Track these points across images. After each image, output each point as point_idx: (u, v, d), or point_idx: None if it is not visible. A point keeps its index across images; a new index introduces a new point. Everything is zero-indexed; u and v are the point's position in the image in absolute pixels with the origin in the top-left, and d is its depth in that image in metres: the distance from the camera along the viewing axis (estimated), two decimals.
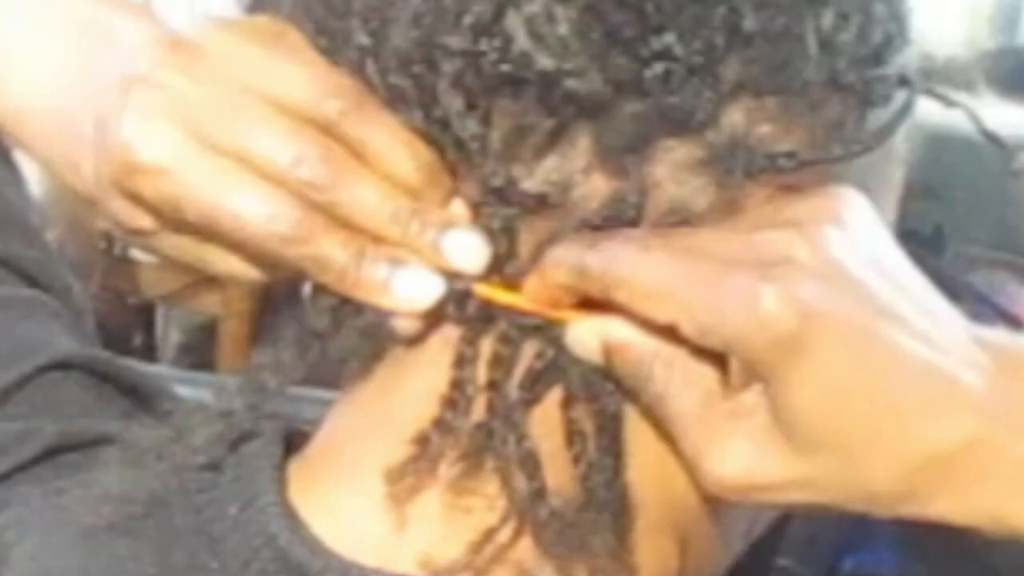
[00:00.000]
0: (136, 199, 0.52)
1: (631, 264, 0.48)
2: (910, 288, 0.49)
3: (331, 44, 0.52)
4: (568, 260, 0.49)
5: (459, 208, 0.51)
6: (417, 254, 0.50)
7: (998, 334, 0.50)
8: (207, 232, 0.52)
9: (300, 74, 0.51)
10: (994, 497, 0.48)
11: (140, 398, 0.66)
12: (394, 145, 0.51)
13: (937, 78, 0.54)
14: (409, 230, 0.50)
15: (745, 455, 0.48)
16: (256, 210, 0.50)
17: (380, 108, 0.51)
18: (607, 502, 0.52)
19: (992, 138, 0.55)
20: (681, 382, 0.49)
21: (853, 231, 0.48)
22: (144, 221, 0.53)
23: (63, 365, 0.65)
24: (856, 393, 0.47)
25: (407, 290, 0.51)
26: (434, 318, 0.52)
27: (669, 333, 0.49)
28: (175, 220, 0.52)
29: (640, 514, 0.53)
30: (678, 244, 0.49)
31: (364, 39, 0.51)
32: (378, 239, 0.51)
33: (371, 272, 0.50)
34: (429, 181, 0.51)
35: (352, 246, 0.50)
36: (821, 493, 0.49)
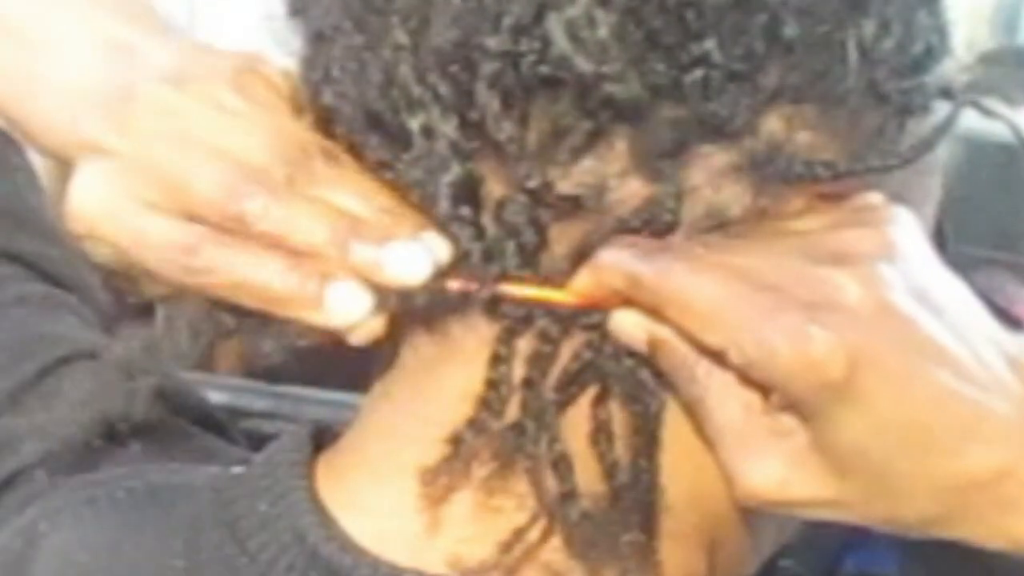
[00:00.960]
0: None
1: (684, 284, 0.48)
2: (955, 320, 0.49)
3: (368, 41, 0.52)
4: (622, 266, 0.49)
5: (432, 238, 0.50)
6: (352, 271, 0.50)
7: (1014, 337, 0.51)
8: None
9: (255, 138, 0.52)
10: (1018, 524, 0.49)
11: (164, 392, 0.66)
12: (349, 197, 0.51)
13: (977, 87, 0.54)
14: (348, 249, 0.50)
15: (779, 473, 0.49)
16: (167, 243, 0.51)
17: (333, 163, 0.52)
18: (638, 505, 0.52)
19: None
20: (723, 390, 0.50)
21: (904, 264, 0.49)
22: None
23: (85, 356, 0.65)
24: (897, 432, 0.48)
25: (341, 305, 0.50)
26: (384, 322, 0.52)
27: (716, 353, 0.49)
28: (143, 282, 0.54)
29: (670, 517, 0.53)
30: (732, 264, 0.49)
31: (402, 37, 0.50)
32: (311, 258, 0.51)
33: (301, 289, 0.50)
34: (392, 221, 0.51)
35: (273, 265, 0.51)
36: (849, 513, 0.50)
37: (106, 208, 0.52)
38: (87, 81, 0.58)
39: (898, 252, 0.49)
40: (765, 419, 0.49)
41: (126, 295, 0.69)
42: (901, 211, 0.51)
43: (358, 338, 0.52)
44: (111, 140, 0.52)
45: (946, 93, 0.53)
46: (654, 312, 0.50)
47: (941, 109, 0.53)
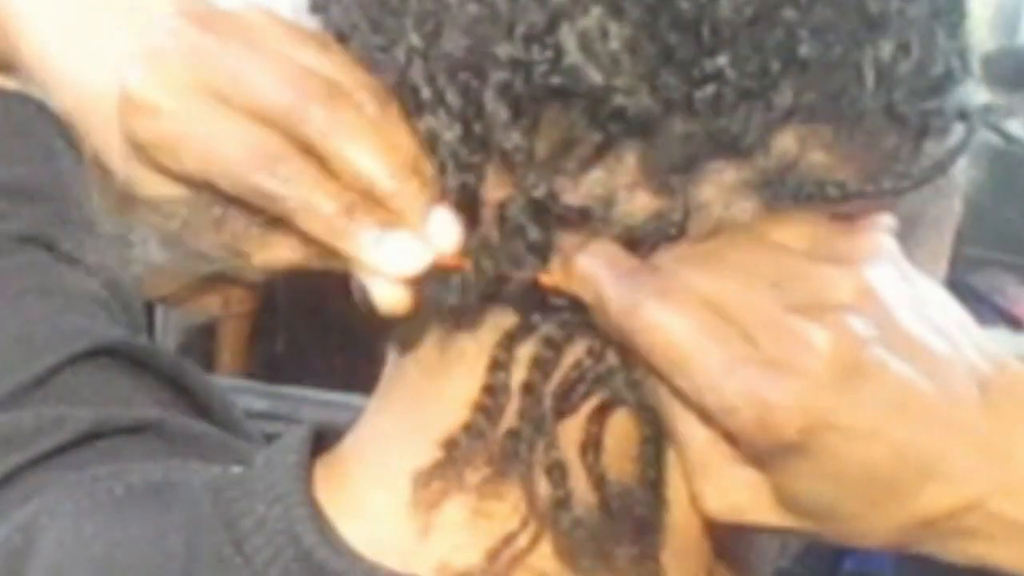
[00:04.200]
0: (142, 152, 0.52)
1: (650, 322, 0.48)
2: (930, 358, 0.49)
3: (383, 41, 0.51)
4: (593, 283, 0.49)
5: (446, 214, 0.50)
6: (404, 219, 0.50)
7: (1006, 366, 0.50)
8: (207, 187, 0.51)
9: (328, 59, 0.51)
10: (980, 549, 0.49)
11: (180, 388, 0.67)
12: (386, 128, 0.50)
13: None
14: (405, 189, 0.49)
15: (735, 499, 0.50)
16: (247, 144, 0.50)
17: (398, 115, 0.51)
18: (631, 517, 0.52)
19: None
20: (691, 415, 0.50)
21: (878, 311, 0.48)
22: (163, 187, 0.53)
23: (103, 352, 0.65)
24: (854, 485, 0.48)
25: (394, 254, 0.49)
26: (417, 304, 0.51)
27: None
28: (179, 176, 0.52)
29: (674, 532, 0.53)
30: (703, 293, 0.48)
31: (416, 40, 0.50)
32: (369, 197, 0.50)
33: (360, 227, 0.49)
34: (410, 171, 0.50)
35: (344, 198, 0.49)
36: (809, 535, 0.51)
37: (175, 86, 0.51)
38: (129, 45, 0.56)
39: (873, 299, 0.49)
40: (726, 446, 0.49)
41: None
42: (882, 240, 0.51)
43: (389, 302, 0.51)
44: (187, 30, 0.51)
45: (963, 116, 0.52)
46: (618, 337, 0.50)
47: (958, 129, 0.53)
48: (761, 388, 0.47)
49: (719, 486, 0.50)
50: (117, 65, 0.54)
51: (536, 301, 0.51)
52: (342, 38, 0.53)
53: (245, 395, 1.26)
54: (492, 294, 0.51)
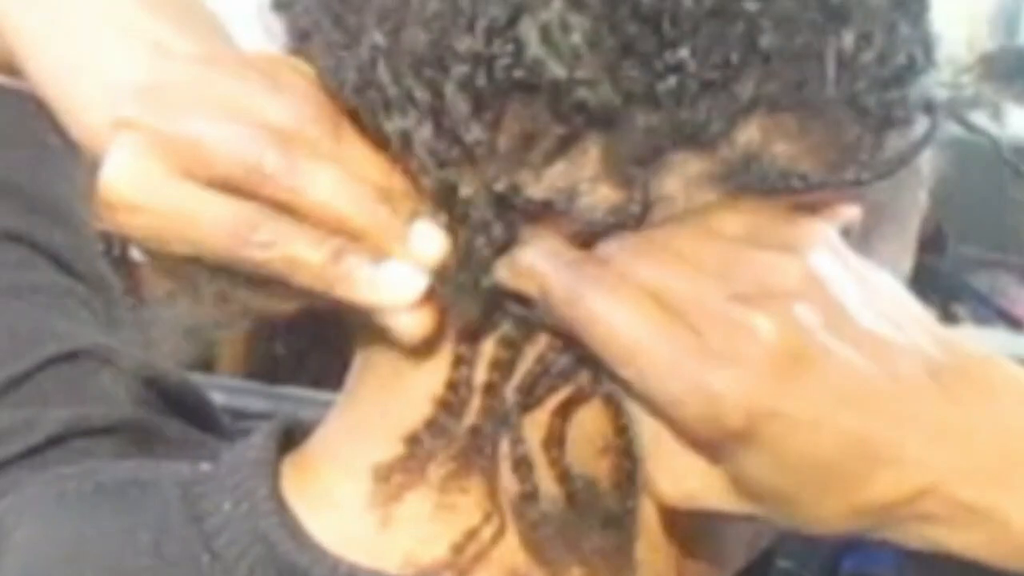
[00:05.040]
0: (141, 249, 0.53)
1: (593, 312, 0.48)
2: (876, 343, 0.49)
3: (345, 39, 0.51)
4: (536, 274, 0.49)
5: (425, 227, 0.50)
6: (385, 248, 0.50)
7: (959, 351, 0.50)
8: (201, 263, 0.52)
9: (271, 99, 0.51)
10: (938, 535, 0.49)
11: (160, 390, 0.66)
12: (367, 168, 0.51)
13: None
14: (377, 219, 0.50)
15: (691, 484, 0.49)
16: (222, 220, 0.50)
17: (353, 132, 0.51)
18: (597, 510, 0.52)
19: (1015, 169, 0.56)
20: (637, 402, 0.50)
21: (823, 298, 0.48)
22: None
23: (81, 355, 0.65)
24: (803, 472, 0.48)
25: (390, 287, 0.50)
26: (435, 319, 0.51)
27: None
28: (170, 257, 0.52)
29: (647, 525, 0.53)
30: (648, 281, 0.48)
31: (379, 38, 0.50)
32: (347, 233, 0.50)
33: (350, 271, 0.50)
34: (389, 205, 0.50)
35: (327, 245, 0.50)
36: (767, 522, 0.51)
37: (144, 180, 0.51)
38: (127, 74, 0.58)
39: (818, 286, 0.48)
40: (672, 432, 0.49)
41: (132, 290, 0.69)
42: (825, 228, 0.50)
43: (410, 330, 0.51)
44: (143, 116, 0.52)
45: (927, 106, 0.52)
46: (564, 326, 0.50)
47: (922, 121, 0.53)
48: (705, 379, 0.47)
49: (671, 472, 0.50)
50: (111, 91, 0.55)
51: (497, 297, 0.51)
52: (306, 36, 0.53)
53: (245, 395, 1.26)
54: (459, 290, 0.51)
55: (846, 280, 0.49)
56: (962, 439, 0.48)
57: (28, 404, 0.63)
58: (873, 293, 0.50)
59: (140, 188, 0.51)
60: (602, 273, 0.49)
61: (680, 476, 0.49)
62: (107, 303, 0.70)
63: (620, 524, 0.52)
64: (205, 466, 0.57)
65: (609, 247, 0.50)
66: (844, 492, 0.48)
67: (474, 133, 0.49)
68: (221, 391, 1.08)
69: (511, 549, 0.52)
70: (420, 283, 0.50)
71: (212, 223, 0.51)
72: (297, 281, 0.50)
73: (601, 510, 0.52)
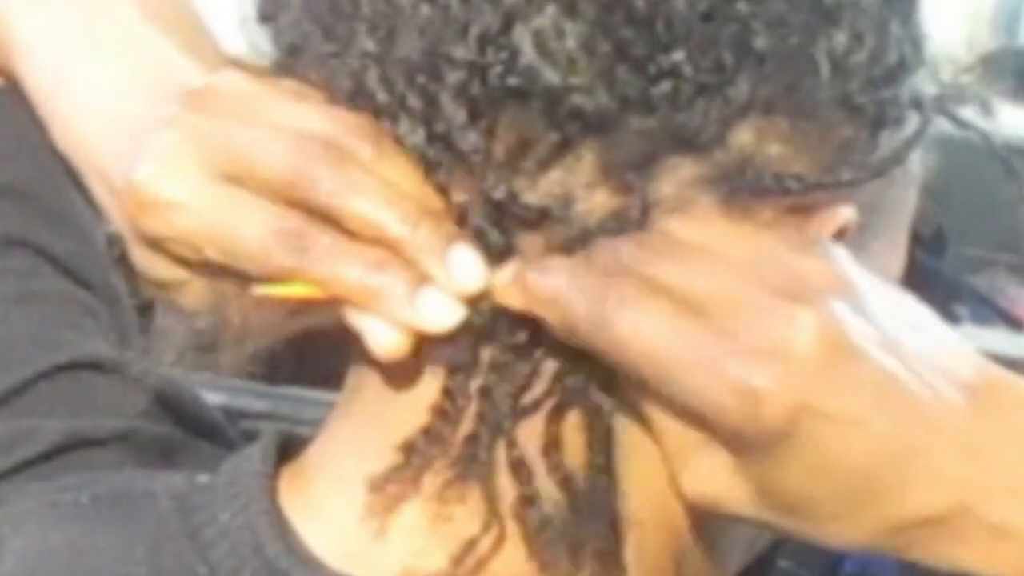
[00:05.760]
0: (156, 244, 0.52)
1: (622, 330, 0.48)
2: (909, 355, 0.48)
3: (336, 48, 0.51)
4: (555, 300, 0.48)
5: (466, 253, 0.50)
6: (422, 265, 0.49)
7: (984, 368, 0.50)
8: (228, 271, 0.52)
9: (314, 112, 0.51)
10: (964, 554, 0.48)
11: (164, 400, 0.66)
12: (403, 181, 0.50)
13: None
14: (418, 234, 0.49)
15: (717, 486, 0.49)
16: (266, 227, 0.50)
17: (394, 147, 0.50)
18: (599, 514, 0.52)
19: (1007, 165, 0.56)
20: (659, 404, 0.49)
21: (858, 301, 0.48)
22: (168, 271, 0.53)
23: (84, 365, 0.65)
24: (836, 478, 0.47)
25: (433, 312, 0.49)
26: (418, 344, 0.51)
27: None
28: (197, 264, 0.52)
29: (637, 529, 0.52)
30: (675, 287, 0.48)
31: (370, 46, 0.50)
32: (387, 249, 0.50)
33: (390, 286, 0.49)
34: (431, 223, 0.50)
35: (368, 257, 0.49)
36: (788, 531, 0.50)
37: (186, 178, 0.51)
38: (124, 87, 0.59)
39: (852, 288, 0.48)
40: (700, 434, 0.49)
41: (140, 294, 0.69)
42: (840, 249, 0.50)
43: (389, 351, 0.51)
44: (188, 116, 0.52)
45: (917, 105, 0.52)
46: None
47: (915, 122, 0.53)
48: (748, 378, 0.46)
49: (697, 472, 0.49)
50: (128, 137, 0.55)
51: (495, 309, 0.51)
52: (295, 50, 0.53)
53: (244, 396, 1.25)
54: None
55: (874, 287, 0.49)
56: (992, 457, 0.48)
57: (28, 414, 0.63)
58: (900, 303, 0.50)
59: (181, 185, 0.51)
60: (622, 288, 0.48)
61: (704, 477, 0.49)
62: (114, 312, 0.70)
63: (619, 531, 0.52)
64: (203, 477, 0.57)
65: (614, 252, 0.49)
66: (876, 504, 0.48)
67: (470, 140, 0.49)
68: (221, 391, 1.07)
69: (510, 559, 0.52)
70: (458, 314, 0.49)
71: (253, 227, 0.50)
72: (333, 290, 0.50)
73: (605, 516, 0.52)
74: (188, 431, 0.66)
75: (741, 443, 0.48)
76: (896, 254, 0.56)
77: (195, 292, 0.54)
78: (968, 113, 0.55)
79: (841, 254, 0.49)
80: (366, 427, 0.54)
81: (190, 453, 0.64)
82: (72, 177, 0.65)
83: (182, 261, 0.53)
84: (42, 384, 0.64)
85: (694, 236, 0.49)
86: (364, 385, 0.54)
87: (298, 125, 0.51)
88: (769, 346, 0.46)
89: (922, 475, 0.47)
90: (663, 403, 0.49)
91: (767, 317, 0.47)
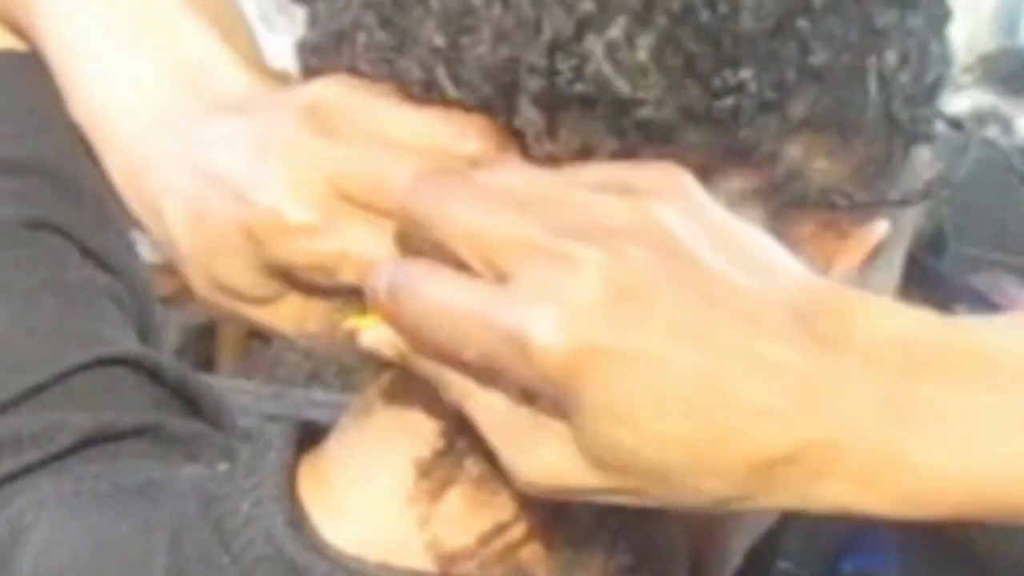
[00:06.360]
0: (272, 265, 0.52)
1: (411, 306, 0.47)
2: (717, 293, 0.45)
3: (394, 40, 0.51)
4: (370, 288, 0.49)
5: None
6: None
7: (829, 292, 0.47)
8: (348, 293, 0.51)
9: (428, 119, 0.51)
10: (838, 491, 0.46)
11: (186, 397, 0.66)
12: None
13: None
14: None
15: (552, 464, 0.47)
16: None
17: (515, 151, 0.50)
18: (623, 516, 0.52)
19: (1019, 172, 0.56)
20: (482, 390, 0.48)
21: (658, 244, 0.46)
22: (267, 288, 0.53)
23: (113, 361, 0.65)
24: (658, 424, 0.45)
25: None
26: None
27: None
28: (310, 284, 0.52)
29: (662, 534, 0.53)
30: (466, 245, 0.47)
31: (440, 41, 0.50)
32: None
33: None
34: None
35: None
36: (644, 500, 0.47)
37: (327, 204, 0.51)
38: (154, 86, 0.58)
39: (657, 228, 0.46)
40: (527, 412, 0.47)
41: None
42: (680, 176, 0.48)
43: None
44: (312, 142, 0.51)
45: (956, 124, 0.53)
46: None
47: (950, 137, 0.54)
48: (520, 325, 0.44)
49: (529, 455, 0.47)
50: (180, 139, 0.54)
51: None
52: (342, 36, 0.53)
53: (245, 395, 1.26)
54: None
55: (694, 228, 0.46)
56: (843, 386, 0.45)
57: (58, 407, 0.63)
58: (732, 245, 0.47)
59: (316, 209, 0.51)
60: (413, 269, 0.48)
61: (537, 458, 0.47)
62: (141, 303, 0.70)
63: (647, 535, 0.52)
64: (223, 466, 0.57)
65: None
66: (715, 448, 0.45)
67: (545, 147, 0.49)
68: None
69: (532, 549, 0.52)
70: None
71: (383, 253, 0.50)
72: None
73: (630, 519, 0.52)
74: (211, 426, 0.66)
75: (546, 401, 0.46)
76: (892, 275, 0.57)
77: (286, 310, 0.54)
78: (964, 112, 0.56)
79: (664, 196, 0.47)
80: (394, 418, 0.54)
81: (214, 448, 0.64)
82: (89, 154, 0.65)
83: (303, 287, 0.53)
84: (74, 378, 0.64)
85: (496, 182, 0.48)
86: (400, 376, 0.53)
87: (419, 141, 0.50)
88: (544, 289, 0.45)
89: (758, 411, 0.44)
90: (478, 379, 0.48)
91: (549, 259, 0.45)
